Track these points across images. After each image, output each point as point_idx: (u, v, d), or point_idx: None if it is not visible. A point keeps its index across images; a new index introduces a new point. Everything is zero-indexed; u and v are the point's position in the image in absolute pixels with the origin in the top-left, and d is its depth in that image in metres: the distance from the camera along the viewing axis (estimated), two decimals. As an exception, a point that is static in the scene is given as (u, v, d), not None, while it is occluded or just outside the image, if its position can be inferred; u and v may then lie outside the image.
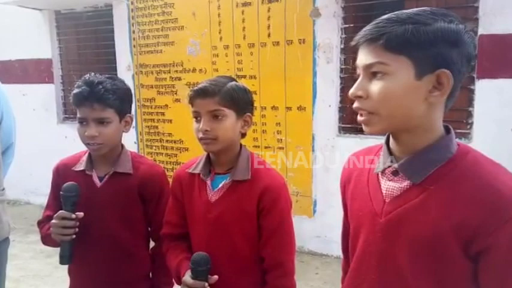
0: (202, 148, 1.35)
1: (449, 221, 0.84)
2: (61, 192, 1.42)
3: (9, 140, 1.92)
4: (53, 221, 1.41)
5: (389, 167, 0.95)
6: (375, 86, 0.87)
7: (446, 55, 0.84)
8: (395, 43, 0.84)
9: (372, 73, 0.87)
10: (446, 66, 0.84)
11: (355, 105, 0.91)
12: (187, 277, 1.27)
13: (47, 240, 1.55)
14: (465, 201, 0.84)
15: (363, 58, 0.89)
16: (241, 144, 1.39)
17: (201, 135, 1.30)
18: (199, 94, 1.30)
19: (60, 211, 1.41)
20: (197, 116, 1.32)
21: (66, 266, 1.62)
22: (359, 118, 0.92)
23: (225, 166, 1.36)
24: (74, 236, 1.41)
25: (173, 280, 1.61)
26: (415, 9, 0.86)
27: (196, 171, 1.38)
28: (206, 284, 1.25)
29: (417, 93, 0.85)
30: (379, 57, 0.85)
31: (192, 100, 1.33)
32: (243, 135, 1.38)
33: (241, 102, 1.33)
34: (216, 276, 1.27)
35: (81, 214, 1.41)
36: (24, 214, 4.66)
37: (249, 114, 1.37)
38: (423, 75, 0.84)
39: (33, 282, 3.36)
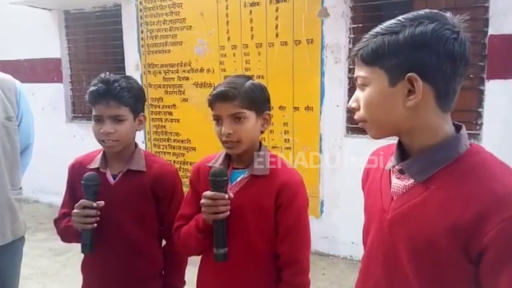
0: (226, 151, 1.37)
1: (445, 221, 0.85)
2: (82, 182, 1.45)
3: (27, 140, 1.94)
4: (75, 210, 1.43)
5: (397, 165, 0.97)
6: (361, 97, 0.94)
7: (414, 59, 0.86)
8: (367, 57, 0.91)
9: (360, 85, 0.95)
10: (417, 69, 0.85)
11: (355, 116, 1.00)
12: (207, 191, 1.28)
13: (66, 234, 1.56)
14: (461, 201, 0.84)
15: (355, 72, 0.97)
16: (260, 142, 1.42)
17: (224, 138, 1.32)
18: (219, 98, 1.31)
19: (82, 200, 1.44)
20: (218, 119, 1.33)
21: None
22: (359, 125, 1.00)
23: (244, 162, 1.38)
24: (96, 225, 1.44)
25: (185, 278, 1.63)
26: (391, 20, 0.90)
27: (216, 165, 1.40)
28: (226, 195, 1.27)
29: (394, 99, 0.89)
30: (360, 71, 0.94)
31: (211, 104, 1.34)
32: (261, 132, 1.40)
33: (260, 101, 1.35)
34: (231, 194, 1.29)
35: (101, 203, 1.44)
36: (32, 212, 4.70)
37: (268, 112, 1.39)
38: (396, 82, 0.88)
39: (41, 280, 3.38)
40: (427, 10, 0.89)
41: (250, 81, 1.37)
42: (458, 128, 0.92)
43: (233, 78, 1.38)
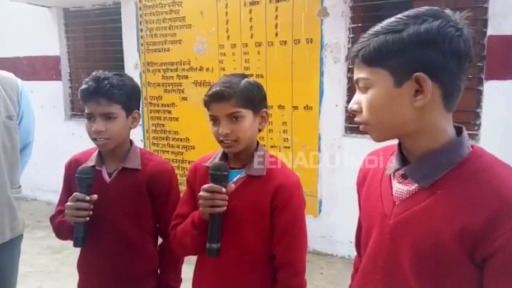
0: (224, 150, 1.36)
1: (452, 226, 0.83)
2: (76, 175, 1.45)
3: (27, 139, 1.94)
4: (68, 203, 1.43)
5: (399, 169, 0.95)
6: (364, 99, 0.90)
7: (420, 57, 0.83)
8: (369, 57, 0.87)
9: (362, 88, 0.91)
10: (423, 68, 0.83)
11: (355, 118, 0.95)
12: (206, 184, 1.28)
13: (60, 229, 1.55)
14: (470, 206, 0.83)
15: (355, 74, 0.93)
16: (257, 141, 1.40)
17: (221, 138, 1.30)
18: (215, 98, 1.30)
19: (75, 193, 1.43)
20: (215, 120, 1.32)
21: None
22: (361, 127, 0.96)
23: (241, 162, 1.37)
24: (88, 219, 1.44)
25: (181, 276, 1.63)
26: (391, 18, 0.87)
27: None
28: (223, 189, 1.26)
29: (400, 100, 0.86)
30: (361, 73, 0.90)
31: (207, 104, 1.33)
32: (259, 130, 1.39)
33: (256, 99, 1.34)
34: (233, 185, 1.29)
35: (95, 196, 1.44)
36: (30, 210, 4.70)
37: (265, 109, 1.37)
38: (402, 82, 0.85)
39: (39, 278, 3.39)
40: (427, 7, 0.86)
41: (246, 79, 1.35)
42: (458, 130, 0.91)
43: (228, 78, 1.35)
